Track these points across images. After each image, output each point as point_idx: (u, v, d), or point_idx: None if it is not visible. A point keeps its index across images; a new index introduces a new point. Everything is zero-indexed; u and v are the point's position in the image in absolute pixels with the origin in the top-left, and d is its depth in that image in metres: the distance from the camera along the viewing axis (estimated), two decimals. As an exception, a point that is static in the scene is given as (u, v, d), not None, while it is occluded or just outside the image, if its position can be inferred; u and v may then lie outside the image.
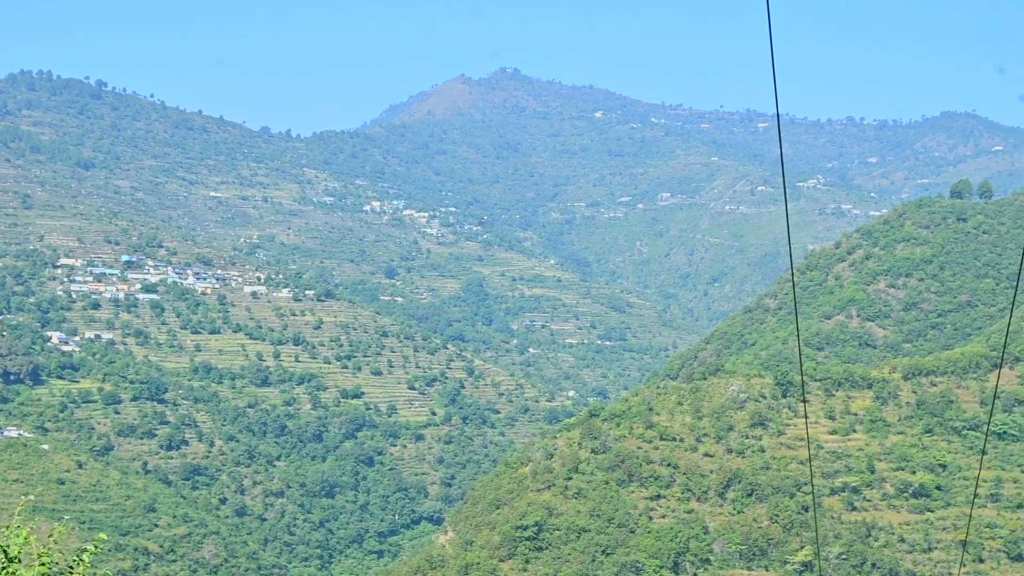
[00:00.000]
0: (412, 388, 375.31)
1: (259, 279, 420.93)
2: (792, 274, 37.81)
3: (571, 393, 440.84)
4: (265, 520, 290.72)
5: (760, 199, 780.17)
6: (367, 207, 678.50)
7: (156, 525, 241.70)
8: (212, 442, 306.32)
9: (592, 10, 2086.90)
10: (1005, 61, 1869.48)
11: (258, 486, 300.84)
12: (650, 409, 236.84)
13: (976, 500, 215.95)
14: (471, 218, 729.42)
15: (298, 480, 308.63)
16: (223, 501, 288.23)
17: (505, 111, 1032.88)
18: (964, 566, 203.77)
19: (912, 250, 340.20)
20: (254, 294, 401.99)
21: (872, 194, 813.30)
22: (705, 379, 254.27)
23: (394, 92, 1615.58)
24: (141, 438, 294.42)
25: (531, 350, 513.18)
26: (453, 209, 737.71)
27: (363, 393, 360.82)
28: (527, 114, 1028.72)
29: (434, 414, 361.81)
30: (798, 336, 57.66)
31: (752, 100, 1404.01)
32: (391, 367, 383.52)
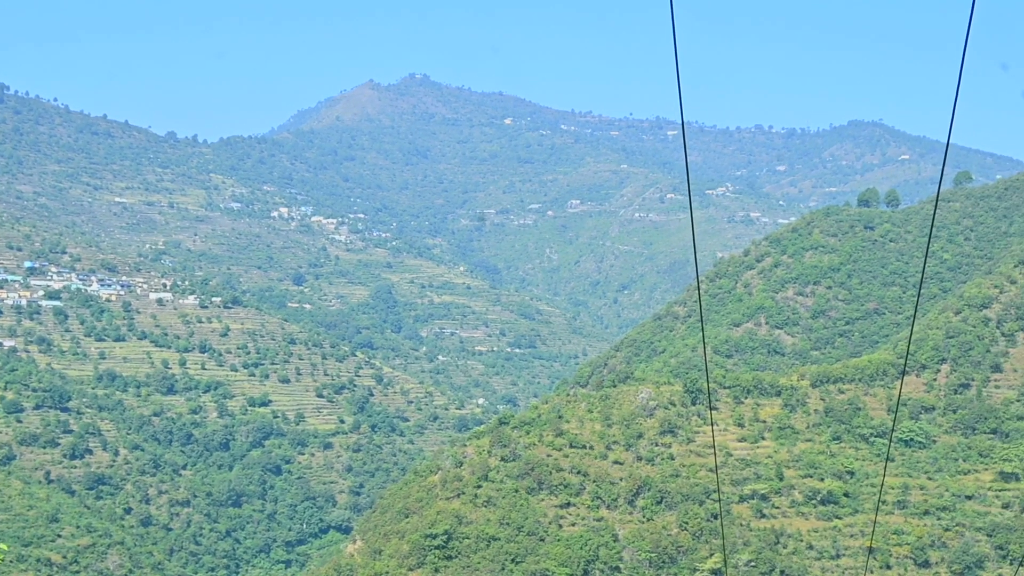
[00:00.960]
0: (320, 396, 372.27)
1: (165, 286, 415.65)
2: (698, 283, 37.79)
3: (480, 401, 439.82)
4: (171, 530, 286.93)
5: (670, 207, 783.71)
6: (275, 213, 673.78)
7: (59, 535, 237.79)
8: (117, 451, 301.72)
9: (502, 17, 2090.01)
10: (918, 69, 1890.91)
11: (163, 495, 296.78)
12: (560, 417, 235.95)
13: (883, 507, 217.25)
14: (380, 225, 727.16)
15: (204, 489, 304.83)
16: (128, 511, 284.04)
17: (414, 117, 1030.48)
18: (871, 572, 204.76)
19: (820, 258, 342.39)
20: (160, 301, 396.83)
21: (780, 202, 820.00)
22: (615, 387, 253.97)
23: (302, 98, 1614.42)
24: (44, 447, 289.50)
25: (440, 358, 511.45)
26: (362, 215, 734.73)
27: (270, 401, 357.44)
28: (436, 120, 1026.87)
29: (342, 422, 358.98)
30: (704, 344, 56.78)
31: (662, 108, 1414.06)
32: (299, 375, 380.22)
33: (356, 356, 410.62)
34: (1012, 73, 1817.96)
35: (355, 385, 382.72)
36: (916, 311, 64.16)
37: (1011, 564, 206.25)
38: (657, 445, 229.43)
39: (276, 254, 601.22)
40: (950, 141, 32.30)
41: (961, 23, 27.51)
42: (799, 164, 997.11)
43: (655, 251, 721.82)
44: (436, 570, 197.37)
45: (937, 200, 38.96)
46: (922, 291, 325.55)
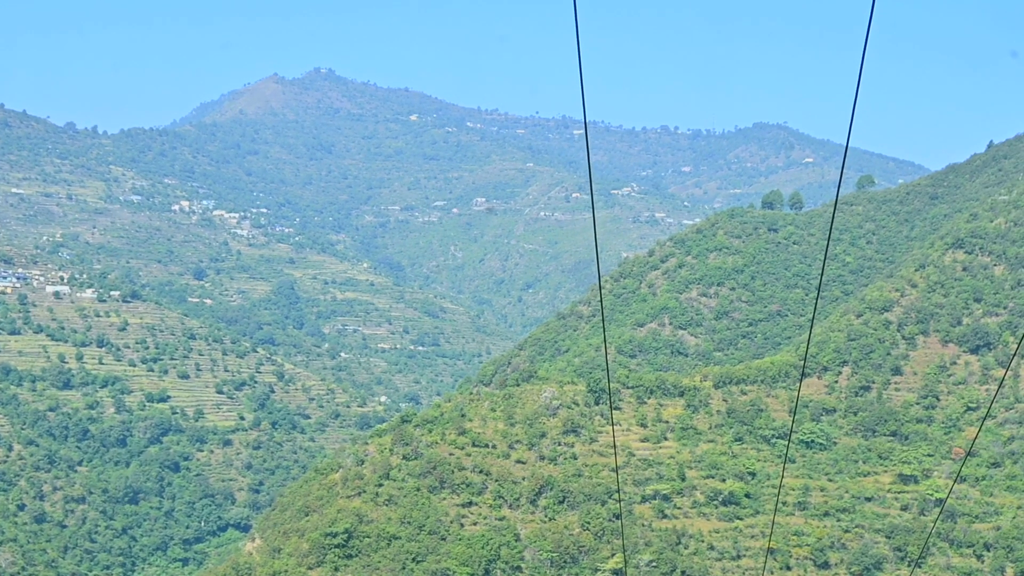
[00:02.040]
0: (220, 392, 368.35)
1: (62, 279, 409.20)
2: (600, 284, 36.27)
3: (383, 399, 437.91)
4: (65, 527, 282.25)
5: (575, 206, 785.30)
6: (176, 207, 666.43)
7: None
8: (11, 446, 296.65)
9: (408, 12, 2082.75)
10: (823, 71, 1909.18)
11: (58, 492, 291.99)
12: (463, 415, 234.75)
13: (784, 508, 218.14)
14: (283, 220, 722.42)
15: (100, 486, 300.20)
16: (21, 507, 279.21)
17: (319, 112, 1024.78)
18: (772, 573, 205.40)
19: (724, 259, 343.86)
20: (57, 294, 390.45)
21: (685, 203, 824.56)
22: (518, 385, 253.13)
23: (205, 90, 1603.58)
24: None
25: (343, 355, 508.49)
26: (265, 210, 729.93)
27: (169, 397, 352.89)
28: (341, 115, 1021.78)
29: (243, 419, 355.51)
30: (604, 344, 55.57)
31: (568, 107, 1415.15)
32: (199, 370, 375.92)
33: (257, 352, 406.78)
34: (913, 74, 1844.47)
35: (256, 382, 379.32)
36: (815, 314, 63.43)
37: (908, 566, 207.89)
38: (560, 444, 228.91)
39: (177, 248, 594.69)
40: (849, 144, 33.29)
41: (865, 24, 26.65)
42: (704, 165, 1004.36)
43: (560, 250, 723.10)
44: (336, 569, 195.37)
45: (836, 202, 38.06)
46: (825, 294, 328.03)
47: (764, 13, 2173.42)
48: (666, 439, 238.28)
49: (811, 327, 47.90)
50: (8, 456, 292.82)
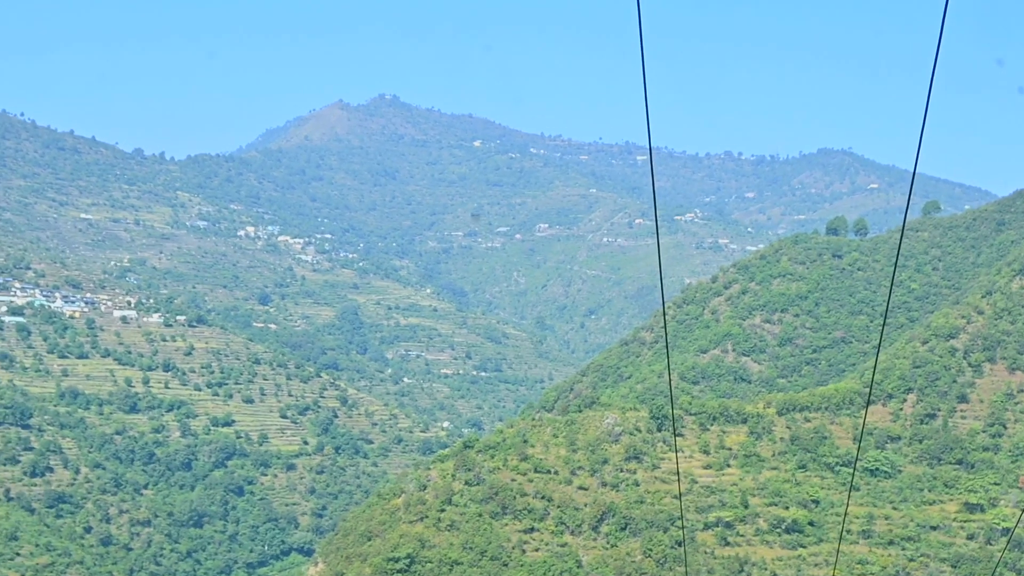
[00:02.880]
0: (284, 417, 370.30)
1: (129, 303, 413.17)
2: (664, 310, 36.52)
3: (445, 424, 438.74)
4: (131, 550, 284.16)
5: (638, 232, 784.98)
6: (241, 232, 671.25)
7: (18, 554, 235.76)
8: (78, 469, 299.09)
9: (472, 39, 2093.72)
10: (888, 97, 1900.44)
11: (124, 515, 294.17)
12: (525, 441, 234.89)
13: (848, 536, 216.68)
14: (347, 245, 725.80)
15: (165, 509, 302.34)
16: (88, 530, 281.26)
17: (383, 138, 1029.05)
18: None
19: (788, 286, 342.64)
20: (124, 319, 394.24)
21: (749, 229, 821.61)
22: (580, 412, 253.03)
23: (271, 116, 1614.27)
24: (4, 464, 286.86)
25: (405, 380, 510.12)
26: (329, 236, 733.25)
27: (234, 421, 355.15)
28: (405, 141, 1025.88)
29: (306, 443, 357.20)
30: (669, 370, 55.98)
31: (631, 133, 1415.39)
32: (263, 395, 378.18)
33: (321, 377, 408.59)
34: (988, 100, 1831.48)
35: (319, 406, 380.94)
36: (881, 340, 63.26)
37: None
38: (622, 471, 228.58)
39: (242, 273, 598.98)
40: (916, 169, 32.29)
41: (932, 52, 26.71)
42: (768, 191, 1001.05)
43: (623, 276, 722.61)
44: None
45: (903, 229, 38.02)
46: (890, 320, 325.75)
47: (828, 38, 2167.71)
48: (729, 466, 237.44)
49: (877, 354, 47.94)
50: (75, 479, 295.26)
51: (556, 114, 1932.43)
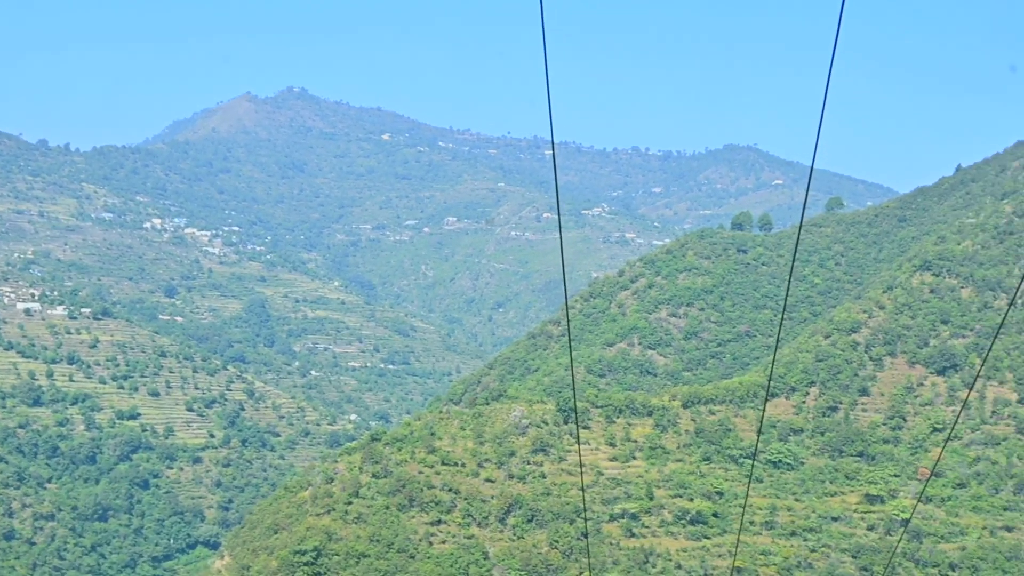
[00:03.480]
0: (190, 410, 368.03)
1: (33, 296, 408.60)
2: (567, 305, 37.20)
3: (353, 417, 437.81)
4: (34, 544, 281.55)
5: (546, 225, 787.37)
6: (147, 224, 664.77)
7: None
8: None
9: (381, 32, 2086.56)
10: (793, 94, 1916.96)
11: (27, 509, 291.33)
12: (432, 434, 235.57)
13: (751, 527, 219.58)
14: (254, 238, 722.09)
15: (70, 503, 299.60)
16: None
17: (291, 131, 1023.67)
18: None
19: (693, 280, 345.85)
20: (27, 311, 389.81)
21: (655, 223, 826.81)
22: (488, 404, 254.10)
23: (178, 108, 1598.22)
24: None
25: (313, 373, 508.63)
26: (236, 228, 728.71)
27: (139, 414, 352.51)
28: (313, 134, 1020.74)
29: (212, 436, 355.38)
30: (571, 364, 56.96)
31: (540, 127, 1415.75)
32: (169, 388, 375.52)
33: (228, 370, 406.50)
34: (891, 98, 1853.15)
35: (226, 399, 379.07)
36: (779, 333, 64.78)
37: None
38: (529, 463, 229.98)
39: (148, 265, 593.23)
40: (815, 165, 32.95)
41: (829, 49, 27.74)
42: (674, 186, 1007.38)
43: (531, 269, 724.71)
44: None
45: (801, 224, 39.28)
46: (793, 315, 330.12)
47: (735, 35, 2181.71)
48: (634, 458, 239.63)
49: (775, 347, 49.29)
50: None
51: (465, 108, 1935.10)
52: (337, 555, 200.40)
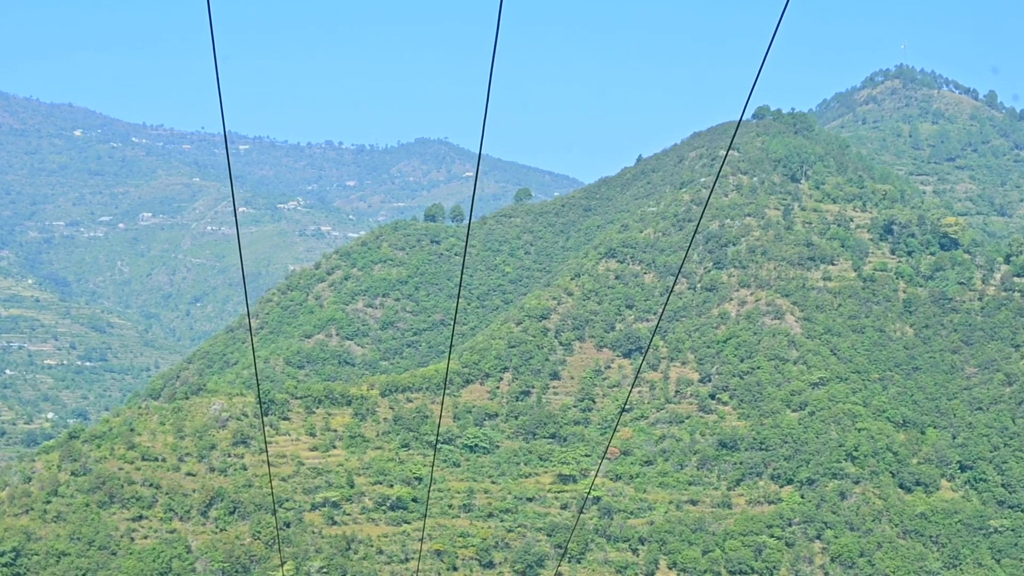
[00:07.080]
0: None
1: None
2: (247, 299, 40.15)
3: (50, 415, 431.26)
4: None
5: (242, 220, 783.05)
6: None
7: None
8: None
9: (69, 25, 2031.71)
10: (476, 89, 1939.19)
11: None
12: (132, 430, 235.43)
13: (450, 511, 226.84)
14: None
15: None
16: None
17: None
18: (439, 574, 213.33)
19: (388, 271, 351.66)
20: None
21: (351, 216, 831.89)
22: (187, 399, 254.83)
23: None
24: None
25: (7, 371, 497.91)
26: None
27: None
28: (3, 130, 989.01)
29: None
30: (254, 360, 60.91)
31: (233, 122, 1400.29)
32: None
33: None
34: (566, 90, 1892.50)
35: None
36: (455, 321, 70.01)
37: (569, 561, 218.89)
38: (230, 456, 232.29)
39: None
40: (481, 152, 35.37)
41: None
42: (368, 179, 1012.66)
43: (227, 264, 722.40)
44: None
45: (471, 213, 44.44)
46: (486, 303, 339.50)
47: (425, 30, 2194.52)
48: (335, 447, 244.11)
49: (451, 337, 54.45)
50: None
51: (158, 103, 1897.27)
52: (37, 555, 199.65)
